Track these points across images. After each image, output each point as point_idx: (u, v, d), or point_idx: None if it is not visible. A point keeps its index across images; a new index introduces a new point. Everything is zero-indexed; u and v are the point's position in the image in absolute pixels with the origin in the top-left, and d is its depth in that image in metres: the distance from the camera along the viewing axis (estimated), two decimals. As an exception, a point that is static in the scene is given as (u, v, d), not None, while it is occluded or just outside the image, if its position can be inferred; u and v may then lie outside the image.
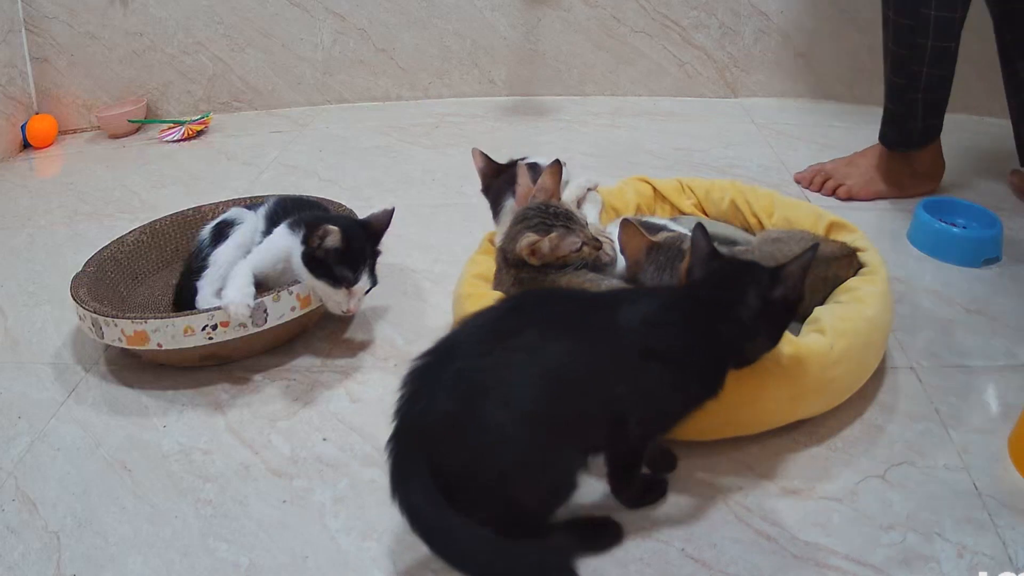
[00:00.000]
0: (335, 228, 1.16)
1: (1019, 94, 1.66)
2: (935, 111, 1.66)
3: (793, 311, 0.92)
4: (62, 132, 2.40)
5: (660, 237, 1.18)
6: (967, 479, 0.98)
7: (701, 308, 0.90)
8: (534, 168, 1.31)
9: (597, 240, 1.12)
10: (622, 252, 1.17)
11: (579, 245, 1.09)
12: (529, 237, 1.09)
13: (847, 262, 1.18)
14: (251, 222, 1.35)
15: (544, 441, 0.81)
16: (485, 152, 1.35)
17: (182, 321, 1.15)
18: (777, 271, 0.90)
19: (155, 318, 1.15)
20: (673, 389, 0.88)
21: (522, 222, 1.13)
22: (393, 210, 1.27)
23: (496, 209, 1.31)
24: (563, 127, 2.22)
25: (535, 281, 1.12)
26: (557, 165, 1.19)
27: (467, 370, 0.81)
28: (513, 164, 1.32)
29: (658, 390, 0.87)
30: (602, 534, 0.90)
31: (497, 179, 1.32)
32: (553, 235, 1.08)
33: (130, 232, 1.44)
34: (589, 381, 0.83)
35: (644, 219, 1.32)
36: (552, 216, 1.12)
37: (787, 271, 0.89)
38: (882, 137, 1.70)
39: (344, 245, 1.18)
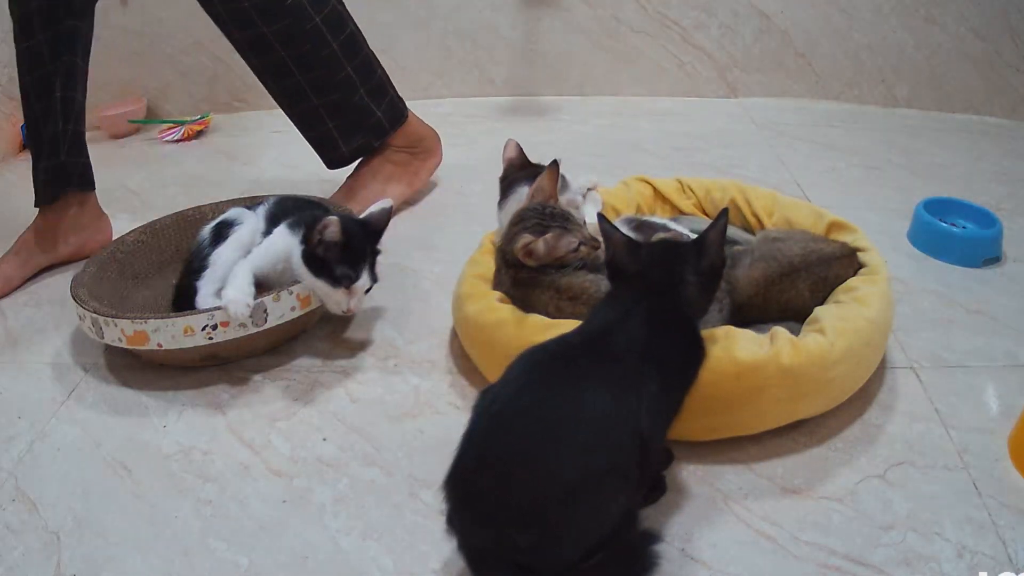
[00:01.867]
0: (335, 219, 1.16)
1: (297, 105, 1.62)
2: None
3: (720, 275, 0.96)
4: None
5: (655, 239, 1.18)
6: (967, 479, 0.98)
7: (664, 304, 0.92)
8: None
9: (595, 240, 1.12)
10: None
11: (576, 245, 1.10)
12: (524, 238, 1.09)
13: (847, 262, 1.18)
14: (251, 222, 1.35)
15: (598, 492, 0.80)
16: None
17: (182, 321, 1.15)
18: (700, 244, 0.94)
19: (155, 318, 1.15)
20: (676, 387, 0.90)
21: (519, 223, 1.13)
22: (391, 207, 1.27)
23: (505, 194, 1.31)
24: (563, 127, 2.22)
25: (534, 281, 1.12)
26: (555, 166, 1.19)
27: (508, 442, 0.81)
28: (541, 167, 1.32)
29: (666, 395, 0.88)
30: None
31: (521, 172, 1.32)
32: (548, 236, 1.08)
33: (130, 232, 1.44)
34: (621, 423, 0.82)
35: (644, 219, 1.32)
36: (549, 217, 1.12)
37: (708, 241, 0.94)
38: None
39: (344, 240, 1.18)
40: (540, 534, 0.78)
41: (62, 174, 1.53)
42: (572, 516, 0.78)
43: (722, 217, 0.94)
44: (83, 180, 1.57)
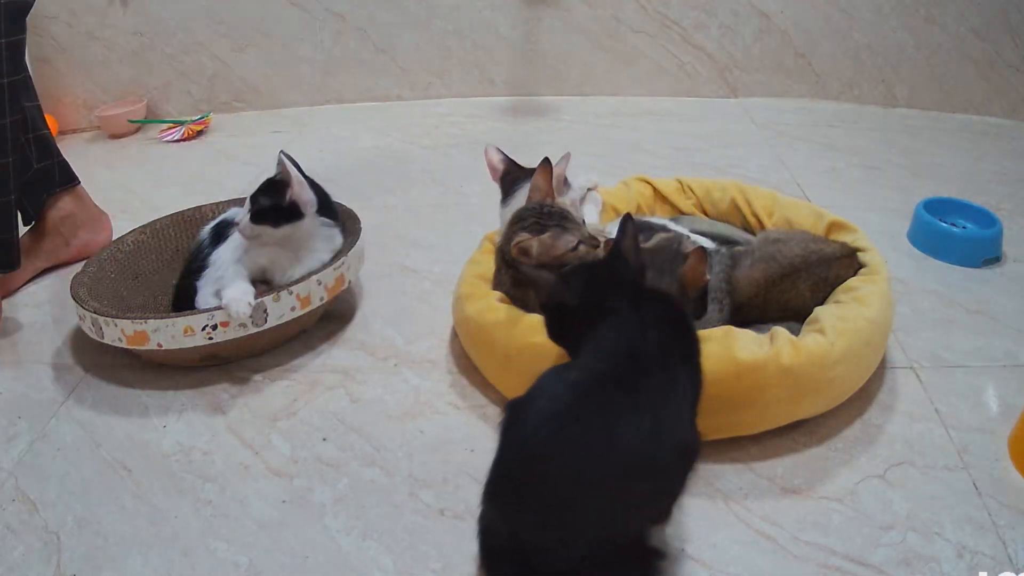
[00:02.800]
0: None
1: None
2: None
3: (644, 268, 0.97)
4: (62, 132, 2.40)
5: (654, 241, 1.18)
6: (967, 479, 0.98)
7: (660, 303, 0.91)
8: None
9: (594, 238, 1.12)
10: None
11: (575, 244, 1.09)
12: (519, 236, 1.09)
13: (847, 262, 1.18)
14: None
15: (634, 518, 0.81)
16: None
17: (182, 321, 1.15)
18: (618, 255, 0.94)
19: (155, 318, 1.15)
20: (698, 381, 0.89)
21: (518, 223, 1.13)
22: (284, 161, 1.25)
23: (509, 192, 1.30)
24: (563, 127, 2.22)
25: (534, 281, 1.12)
26: (547, 164, 1.18)
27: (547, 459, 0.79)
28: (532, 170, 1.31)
29: (695, 392, 0.87)
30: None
31: (522, 171, 1.31)
32: (544, 236, 1.08)
33: (130, 232, 1.44)
34: (663, 442, 0.80)
35: (644, 219, 1.32)
36: (547, 216, 1.12)
37: (623, 249, 0.94)
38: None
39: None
40: (568, 553, 0.78)
41: (43, 179, 1.52)
42: (604, 538, 0.79)
43: (627, 223, 0.94)
44: (65, 177, 1.57)
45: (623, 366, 0.83)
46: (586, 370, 0.84)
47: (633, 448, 0.77)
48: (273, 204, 1.22)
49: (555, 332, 0.96)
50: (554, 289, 0.92)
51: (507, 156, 1.35)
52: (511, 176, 1.32)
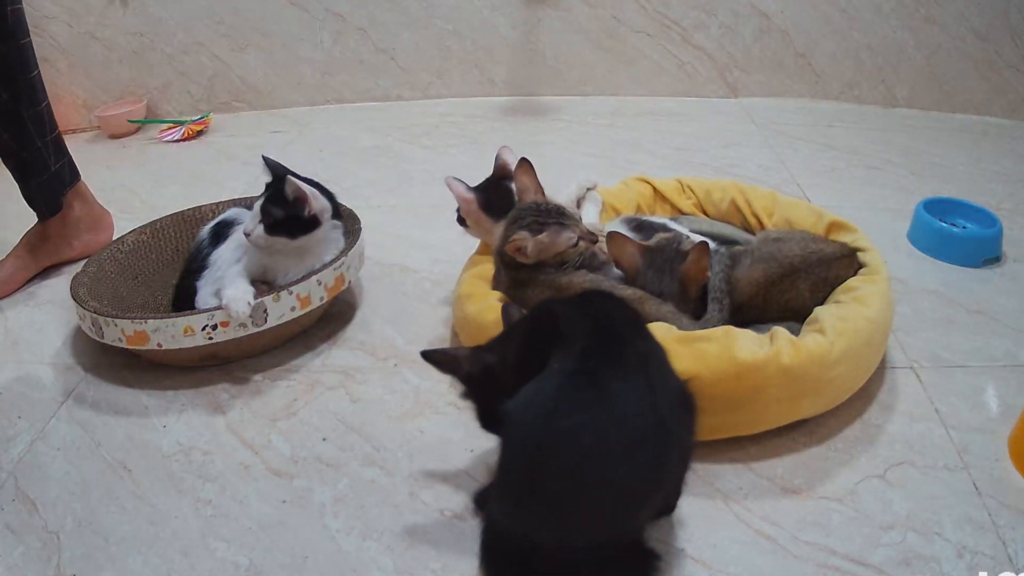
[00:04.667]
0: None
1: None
2: None
3: None
4: (62, 132, 2.40)
5: (654, 240, 1.18)
6: (967, 479, 0.98)
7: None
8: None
9: (592, 233, 1.12)
10: (617, 266, 1.16)
11: (576, 239, 1.10)
12: (517, 235, 1.09)
13: (847, 262, 1.18)
14: (250, 222, 1.35)
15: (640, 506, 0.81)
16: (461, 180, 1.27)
17: (182, 321, 1.15)
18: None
19: (155, 318, 1.15)
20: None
21: (515, 223, 1.13)
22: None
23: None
24: (563, 127, 2.22)
25: (533, 281, 1.12)
26: (524, 162, 1.18)
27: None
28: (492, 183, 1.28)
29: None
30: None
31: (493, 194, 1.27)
32: (540, 236, 1.08)
33: (130, 232, 1.44)
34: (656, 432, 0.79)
35: (644, 219, 1.32)
36: (544, 213, 1.12)
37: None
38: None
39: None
40: (569, 553, 0.78)
41: (57, 181, 1.53)
42: (606, 536, 0.79)
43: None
44: (73, 174, 1.58)
45: (598, 343, 0.82)
46: (567, 362, 0.82)
47: (635, 413, 0.76)
48: (290, 216, 1.23)
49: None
50: (473, 367, 0.92)
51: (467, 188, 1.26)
52: (495, 206, 1.24)
